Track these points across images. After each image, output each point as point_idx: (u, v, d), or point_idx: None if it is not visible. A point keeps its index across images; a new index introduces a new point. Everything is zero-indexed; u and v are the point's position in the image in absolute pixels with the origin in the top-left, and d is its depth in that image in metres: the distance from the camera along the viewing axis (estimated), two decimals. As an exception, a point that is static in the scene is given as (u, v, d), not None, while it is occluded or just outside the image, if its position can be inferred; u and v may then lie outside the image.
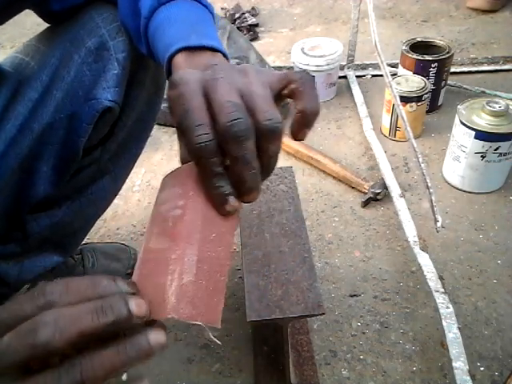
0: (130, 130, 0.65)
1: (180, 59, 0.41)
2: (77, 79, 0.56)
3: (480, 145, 0.90)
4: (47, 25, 0.61)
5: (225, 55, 0.42)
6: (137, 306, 0.28)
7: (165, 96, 1.21)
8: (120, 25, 0.55)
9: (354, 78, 1.35)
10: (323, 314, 0.55)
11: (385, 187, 0.96)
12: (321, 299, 0.56)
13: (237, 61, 1.14)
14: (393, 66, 1.28)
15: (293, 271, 0.59)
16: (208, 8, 0.50)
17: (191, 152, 0.32)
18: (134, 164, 0.72)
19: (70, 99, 0.56)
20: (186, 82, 0.33)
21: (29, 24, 1.76)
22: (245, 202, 0.35)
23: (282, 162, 1.11)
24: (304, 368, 0.67)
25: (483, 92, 1.22)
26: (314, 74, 1.24)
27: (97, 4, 0.57)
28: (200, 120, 0.31)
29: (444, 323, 0.67)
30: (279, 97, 0.36)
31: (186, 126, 0.32)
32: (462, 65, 1.36)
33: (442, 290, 0.72)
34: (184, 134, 0.32)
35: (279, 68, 1.43)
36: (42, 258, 0.69)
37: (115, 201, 1.05)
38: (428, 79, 1.11)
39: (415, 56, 1.15)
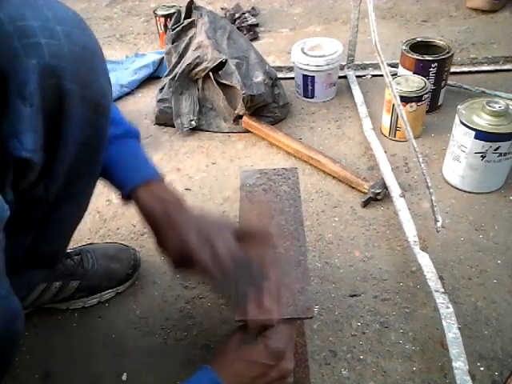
0: (76, 157, 0.54)
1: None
2: None
3: (480, 145, 0.90)
4: None
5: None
6: None
7: (159, 97, 1.21)
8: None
9: (354, 78, 1.35)
10: (311, 317, 0.56)
11: (385, 187, 0.96)
12: (311, 303, 0.56)
13: (237, 61, 1.14)
14: (393, 66, 1.28)
15: (286, 273, 0.59)
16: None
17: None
18: (96, 180, 0.64)
19: None
20: None
21: None
22: None
23: (282, 161, 1.11)
24: (296, 370, 0.66)
25: (483, 92, 1.22)
26: (313, 73, 1.25)
27: None
28: None
29: (444, 323, 0.68)
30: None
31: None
32: (462, 65, 1.36)
33: (442, 289, 0.72)
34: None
35: (279, 68, 1.43)
36: (27, 274, 0.66)
37: (115, 201, 1.05)
38: (428, 79, 1.11)
39: (415, 56, 1.15)
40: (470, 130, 0.90)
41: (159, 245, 0.62)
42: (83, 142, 0.53)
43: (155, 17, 1.61)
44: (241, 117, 1.19)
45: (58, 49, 0.45)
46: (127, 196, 0.62)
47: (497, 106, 0.89)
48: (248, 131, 1.20)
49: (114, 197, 1.05)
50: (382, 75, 0.90)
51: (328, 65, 1.23)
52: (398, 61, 1.22)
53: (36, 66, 0.43)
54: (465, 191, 0.98)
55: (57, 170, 0.52)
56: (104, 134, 0.56)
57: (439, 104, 1.22)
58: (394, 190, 0.93)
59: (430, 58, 1.13)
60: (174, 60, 1.21)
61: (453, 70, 1.26)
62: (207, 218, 0.62)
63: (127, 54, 1.59)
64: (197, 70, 1.16)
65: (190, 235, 0.58)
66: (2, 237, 0.44)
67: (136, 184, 0.62)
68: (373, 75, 1.39)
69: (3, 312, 0.44)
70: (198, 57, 1.15)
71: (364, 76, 1.39)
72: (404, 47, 1.18)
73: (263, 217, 0.68)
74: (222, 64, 1.13)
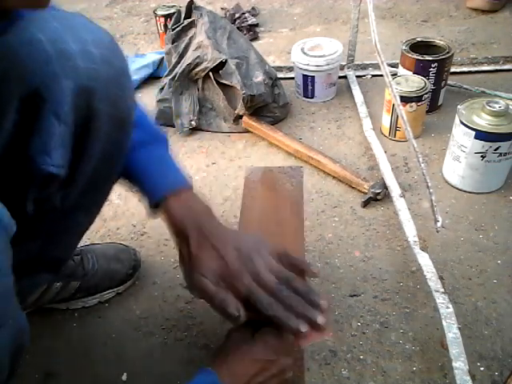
0: (94, 171, 0.55)
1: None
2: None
3: (480, 145, 0.90)
4: None
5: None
6: None
7: (159, 97, 1.20)
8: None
9: (354, 78, 1.35)
10: None
11: (385, 187, 0.96)
12: None
13: (237, 61, 1.14)
14: (393, 66, 1.28)
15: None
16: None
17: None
18: (110, 191, 0.64)
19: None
20: None
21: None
22: None
23: (282, 162, 1.11)
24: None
25: (483, 92, 1.22)
26: (313, 73, 1.25)
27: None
28: None
29: (444, 323, 0.68)
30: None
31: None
32: (462, 65, 1.36)
33: (442, 289, 0.72)
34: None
35: (279, 68, 1.43)
36: (31, 278, 0.66)
37: (115, 201, 1.05)
38: (428, 79, 1.11)
39: (415, 56, 1.14)
40: (469, 130, 0.90)
41: (186, 259, 0.57)
42: (103, 156, 0.54)
43: (155, 17, 1.61)
44: (241, 117, 1.19)
45: (95, 72, 0.46)
46: (155, 205, 0.60)
47: (497, 105, 0.89)
48: (248, 131, 1.20)
49: (114, 197, 1.05)
50: (382, 75, 0.90)
51: (328, 65, 1.23)
52: (398, 61, 1.22)
53: (73, 87, 0.45)
54: (465, 191, 0.98)
55: (76, 182, 0.53)
56: (123, 149, 0.57)
57: (439, 104, 1.22)
58: (394, 190, 0.93)
59: (430, 58, 1.13)
60: (174, 60, 1.21)
61: (453, 70, 1.26)
62: (242, 235, 0.60)
63: (127, 54, 1.59)
64: (197, 70, 1.16)
65: (229, 252, 0.55)
66: (11, 253, 0.43)
67: (164, 193, 0.60)
68: (373, 75, 1.39)
69: (13, 328, 0.44)
70: (198, 57, 1.15)
71: (364, 76, 1.39)
72: (404, 47, 1.18)
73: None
74: (222, 64, 1.13)
